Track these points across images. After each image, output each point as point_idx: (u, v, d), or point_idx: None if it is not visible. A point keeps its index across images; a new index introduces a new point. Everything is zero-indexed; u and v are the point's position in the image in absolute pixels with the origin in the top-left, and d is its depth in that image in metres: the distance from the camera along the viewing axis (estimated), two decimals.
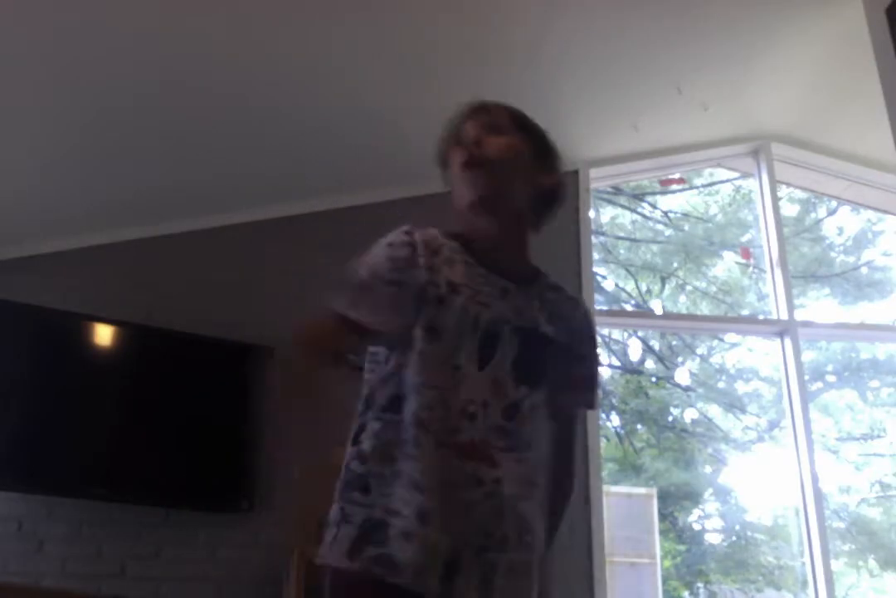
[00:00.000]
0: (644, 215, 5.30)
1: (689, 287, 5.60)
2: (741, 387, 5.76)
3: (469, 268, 1.26)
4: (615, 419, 5.61)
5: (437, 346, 1.18)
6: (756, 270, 4.57)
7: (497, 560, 1.13)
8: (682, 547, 5.41)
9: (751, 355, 5.62)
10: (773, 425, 5.30)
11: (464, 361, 1.18)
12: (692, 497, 5.51)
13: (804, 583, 3.42)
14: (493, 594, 1.12)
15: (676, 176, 4.52)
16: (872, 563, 5.29)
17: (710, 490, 5.62)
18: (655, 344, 5.78)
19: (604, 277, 5.22)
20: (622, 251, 5.47)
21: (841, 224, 5.29)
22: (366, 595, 1.12)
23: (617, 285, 5.54)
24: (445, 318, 1.20)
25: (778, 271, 3.86)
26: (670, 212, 5.32)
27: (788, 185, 4.34)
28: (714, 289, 5.37)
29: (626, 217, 5.31)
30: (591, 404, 1.36)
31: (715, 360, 5.82)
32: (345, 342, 1.27)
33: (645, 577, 4.35)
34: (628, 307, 5.52)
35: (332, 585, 1.16)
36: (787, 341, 3.70)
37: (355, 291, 1.29)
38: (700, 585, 5.28)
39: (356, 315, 1.23)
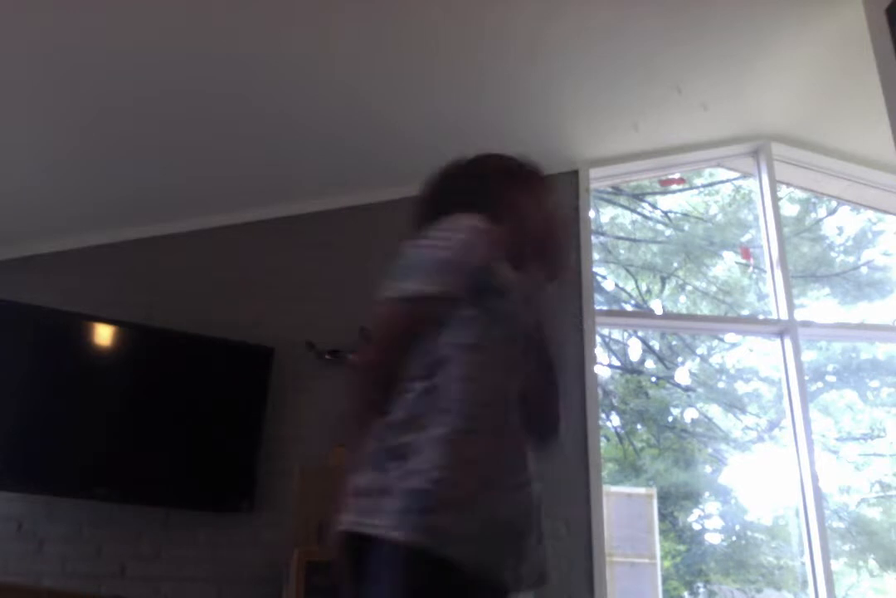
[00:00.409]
0: (644, 215, 5.30)
1: (689, 287, 5.59)
2: (741, 387, 5.75)
3: None
4: (615, 419, 5.60)
5: None
6: (756, 270, 4.57)
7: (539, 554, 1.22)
8: (682, 547, 5.40)
9: (751, 355, 5.61)
10: (773, 425, 5.30)
11: None
12: (692, 497, 5.50)
13: (804, 583, 3.42)
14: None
15: (676, 176, 4.51)
16: (872, 563, 5.29)
17: (710, 490, 5.62)
18: (655, 344, 5.78)
19: (604, 278, 5.21)
20: (622, 251, 5.47)
21: (841, 224, 5.28)
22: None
23: (617, 285, 5.53)
24: None
25: (778, 271, 3.86)
26: (670, 212, 5.32)
27: (788, 185, 4.34)
28: (714, 289, 5.37)
29: (626, 217, 5.30)
30: None
31: (715, 360, 5.81)
32: None
33: (645, 577, 4.35)
34: (628, 307, 5.51)
35: None
36: (787, 341, 3.70)
37: None
38: (700, 585, 5.27)
39: None
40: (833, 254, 5.39)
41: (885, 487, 5.42)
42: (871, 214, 4.86)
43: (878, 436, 5.49)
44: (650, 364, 5.88)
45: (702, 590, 5.26)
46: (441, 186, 1.56)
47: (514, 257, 1.38)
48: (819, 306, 5.28)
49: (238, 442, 3.05)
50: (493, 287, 1.30)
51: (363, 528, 1.15)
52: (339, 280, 3.39)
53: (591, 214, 3.85)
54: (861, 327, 4.52)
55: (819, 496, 3.38)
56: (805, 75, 3.51)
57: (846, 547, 5.29)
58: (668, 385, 5.82)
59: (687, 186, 4.89)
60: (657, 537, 4.56)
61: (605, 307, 4.48)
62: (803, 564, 3.39)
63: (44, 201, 3.17)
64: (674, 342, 5.73)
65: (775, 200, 4.00)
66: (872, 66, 2.84)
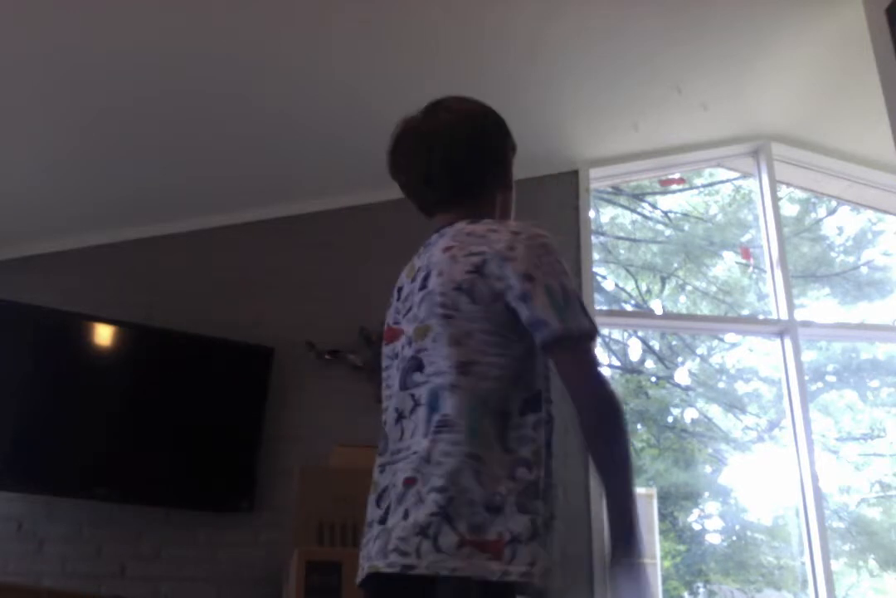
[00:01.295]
0: (644, 215, 5.30)
1: (689, 287, 5.59)
2: (741, 387, 5.75)
3: None
4: None
5: None
6: (756, 270, 4.57)
7: None
8: (682, 547, 5.40)
9: (751, 355, 5.61)
10: (773, 425, 5.30)
11: None
12: (692, 497, 5.50)
13: (804, 583, 3.42)
14: None
15: (676, 176, 4.51)
16: (872, 563, 5.28)
17: (710, 490, 5.62)
18: (655, 344, 5.78)
19: (604, 278, 5.21)
20: (622, 251, 5.47)
21: (841, 224, 5.28)
22: None
23: (617, 285, 5.53)
24: None
25: (778, 271, 3.86)
26: (670, 212, 5.32)
27: (788, 185, 4.34)
28: (714, 289, 5.36)
29: (626, 217, 5.30)
30: None
31: (715, 360, 5.81)
32: None
33: None
34: (628, 307, 5.51)
35: None
36: (787, 341, 3.71)
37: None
38: (700, 585, 5.27)
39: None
40: (833, 254, 5.39)
41: (885, 487, 5.42)
42: (871, 214, 4.86)
43: (878, 436, 5.49)
44: (650, 364, 5.88)
45: (702, 590, 5.26)
46: (441, 157, 1.41)
47: None
48: (819, 305, 5.28)
49: (238, 442, 3.05)
50: None
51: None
52: (339, 280, 3.39)
53: (591, 214, 3.85)
54: (861, 327, 4.52)
55: (819, 496, 3.38)
56: (805, 75, 3.51)
57: (846, 547, 5.29)
58: (668, 385, 5.82)
59: (687, 186, 4.89)
60: (657, 537, 4.56)
61: (605, 307, 4.47)
62: (803, 564, 3.39)
63: (44, 201, 3.17)
64: (674, 342, 5.73)
65: (775, 200, 4.00)
66: (872, 66, 2.84)
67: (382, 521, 1.16)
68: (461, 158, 1.39)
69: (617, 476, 1.15)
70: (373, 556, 1.14)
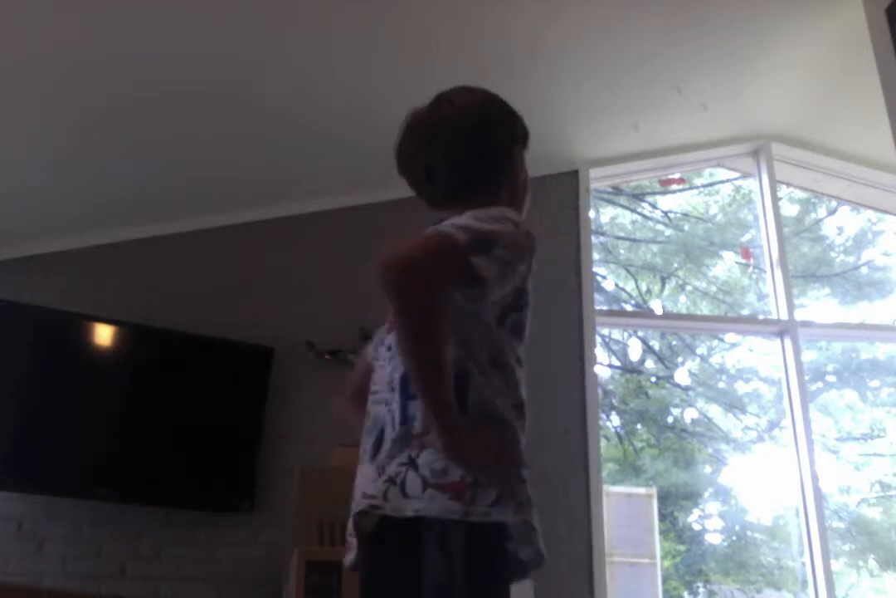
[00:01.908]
0: (644, 215, 5.30)
1: (689, 287, 5.59)
2: (741, 387, 5.75)
3: None
4: (615, 419, 5.60)
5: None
6: (756, 270, 4.57)
7: None
8: (682, 547, 5.41)
9: (751, 355, 5.61)
10: (773, 425, 5.30)
11: None
12: (692, 497, 5.51)
13: (804, 583, 3.42)
14: None
15: (676, 176, 4.51)
16: (872, 563, 5.29)
17: (710, 490, 5.62)
18: (655, 344, 5.78)
19: (604, 278, 5.21)
20: (622, 251, 5.47)
21: (841, 224, 5.28)
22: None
23: (617, 285, 5.53)
24: None
25: (778, 271, 3.86)
26: (670, 212, 5.32)
27: (788, 185, 4.34)
28: (714, 289, 5.37)
29: (626, 217, 5.31)
30: None
31: (715, 360, 5.81)
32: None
33: (645, 577, 4.35)
34: (628, 307, 5.52)
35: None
36: (787, 341, 3.70)
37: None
38: (700, 585, 5.28)
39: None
40: (833, 254, 5.39)
41: (885, 487, 5.42)
42: (871, 214, 4.86)
43: (878, 436, 5.49)
44: (650, 364, 5.88)
45: (702, 590, 5.26)
46: (445, 150, 1.37)
47: None
48: (819, 305, 5.28)
49: (238, 442, 3.05)
50: None
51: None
52: (339, 280, 3.39)
53: (591, 214, 3.85)
54: (861, 327, 4.52)
55: (819, 496, 3.38)
56: (805, 75, 3.51)
57: (846, 547, 5.29)
58: (668, 385, 5.82)
59: (687, 186, 4.90)
60: (657, 537, 4.56)
61: (605, 307, 4.48)
62: (803, 564, 3.39)
63: (44, 201, 3.17)
64: (674, 342, 5.73)
65: (775, 200, 4.00)
66: (872, 66, 2.84)
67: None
68: (462, 152, 1.36)
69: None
70: (356, 498, 1.21)
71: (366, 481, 1.18)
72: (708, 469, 5.68)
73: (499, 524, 1.12)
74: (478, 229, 1.16)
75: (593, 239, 3.78)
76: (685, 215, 5.32)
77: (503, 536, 1.14)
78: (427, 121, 1.42)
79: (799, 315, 3.79)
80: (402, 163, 1.44)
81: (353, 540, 1.21)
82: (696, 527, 5.68)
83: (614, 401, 5.47)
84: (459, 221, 1.19)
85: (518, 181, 1.42)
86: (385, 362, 1.32)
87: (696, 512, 5.66)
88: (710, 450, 5.60)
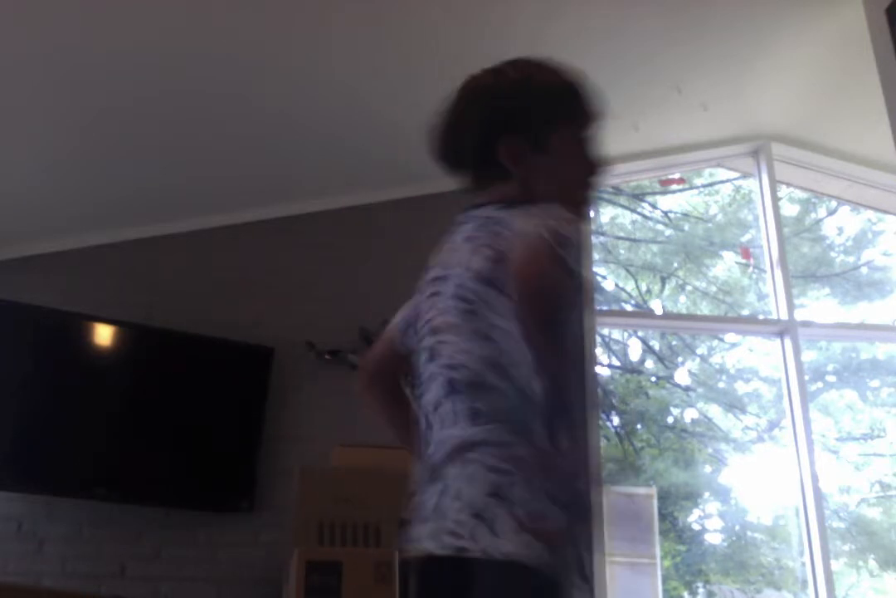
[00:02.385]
0: (644, 215, 5.30)
1: (689, 287, 5.60)
2: (741, 387, 5.76)
3: None
4: (615, 419, 5.60)
5: None
6: (756, 270, 4.57)
7: None
8: (682, 547, 5.40)
9: (751, 355, 5.62)
10: (773, 425, 5.30)
11: None
12: (692, 497, 5.51)
13: (804, 583, 3.42)
14: None
15: (676, 176, 4.51)
16: (872, 563, 5.29)
17: (710, 490, 5.62)
18: (655, 344, 5.78)
19: (604, 277, 5.22)
20: (622, 251, 5.47)
21: (841, 224, 5.29)
22: None
23: (617, 285, 5.54)
24: None
25: (778, 271, 3.86)
26: (670, 212, 5.32)
27: (788, 185, 4.34)
28: (714, 289, 5.37)
29: (626, 217, 5.31)
30: None
31: (715, 360, 5.82)
32: None
33: (645, 577, 4.35)
34: (628, 307, 5.52)
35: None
36: (787, 341, 3.70)
37: None
38: (700, 585, 5.28)
39: None
40: (833, 254, 5.39)
41: (885, 487, 5.42)
42: (871, 214, 4.86)
43: (878, 436, 5.49)
44: (650, 364, 5.89)
45: (701, 590, 5.26)
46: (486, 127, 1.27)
47: None
48: (819, 305, 5.29)
49: (238, 442, 3.05)
50: None
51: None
52: (339, 280, 3.39)
53: (591, 214, 3.85)
54: (861, 327, 4.53)
55: (819, 496, 3.38)
56: (805, 75, 3.51)
57: (846, 547, 5.29)
58: (668, 385, 5.82)
59: (687, 186, 4.90)
60: (657, 537, 4.56)
61: (605, 307, 4.48)
62: (803, 564, 3.39)
63: (44, 201, 3.17)
64: (674, 342, 5.74)
65: (775, 200, 4.00)
66: (872, 66, 2.84)
67: (431, 502, 1.11)
68: (485, 123, 1.27)
69: None
70: (423, 538, 1.09)
71: (442, 511, 1.06)
72: (708, 469, 5.68)
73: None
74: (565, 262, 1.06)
75: (593, 239, 3.78)
76: (685, 215, 5.32)
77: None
78: (473, 86, 1.35)
79: (799, 315, 3.79)
80: (443, 128, 1.36)
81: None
82: (696, 527, 5.68)
83: (614, 401, 5.47)
84: (555, 230, 1.08)
85: (566, 167, 1.29)
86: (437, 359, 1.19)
87: (696, 512, 5.67)
88: (710, 450, 5.60)
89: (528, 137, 1.25)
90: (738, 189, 4.99)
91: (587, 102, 1.34)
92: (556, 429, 1.05)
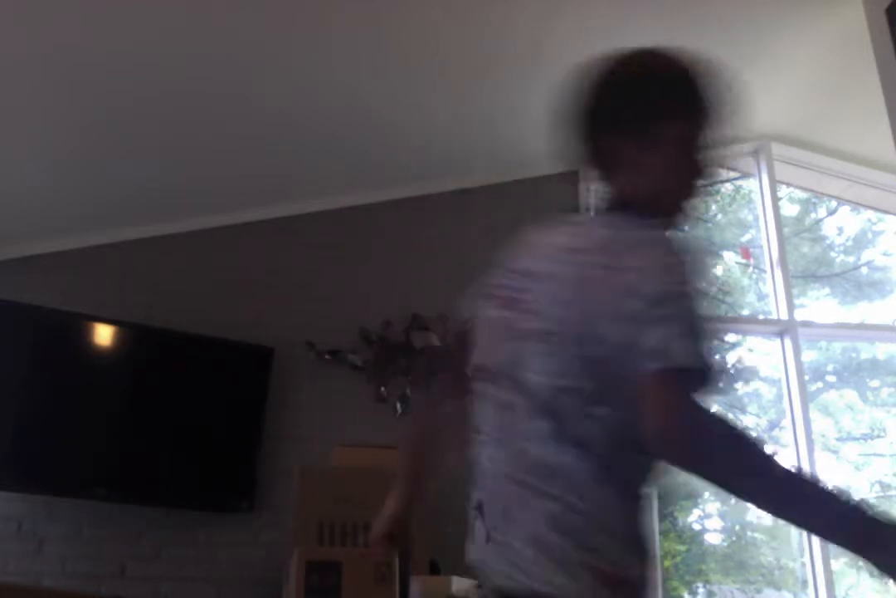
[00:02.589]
0: None
1: None
2: (741, 387, 5.75)
3: None
4: None
5: None
6: (756, 270, 4.57)
7: None
8: (682, 547, 5.40)
9: (751, 355, 5.61)
10: (773, 425, 5.30)
11: None
12: (692, 497, 5.50)
13: (804, 583, 3.42)
14: None
15: None
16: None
17: (711, 490, 5.61)
18: None
19: None
20: None
21: (841, 224, 5.28)
22: None
23: None
24: None
25: (778, 271, 3.86)
26: None
27: (788, 185, 4.34)
28: (714, 289, 5.36)
29: None
30: None
31: None
32: None
33: None
34: None
35: None
36: (787, 341, 3.70)
37: None
38: (700, 585, 5.27)
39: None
40: (833, 254, 5.39)
41: (885, 487, 5.42)
42: (871, 214, 4.85)
43: (878, 436, 5.49)
44: None
45: (701, 590, 5.26)
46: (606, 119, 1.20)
47: None
48: (819, 305, 5.28)
49: (238, 442, 3.05)
50: None
51: None
52: (339, 280, 3.39)
53: (592, 214, 3.84)
54: (861, 327, 4.53)
55: None
56: (805, 75, 3.51)
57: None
58: None
59: None
60: (657, 537, 4.55)
61: None
62: (803, 564, 3.38)
63: (44, 201, 3.17)
64: None
65: (775, 200, 4.00)
66: (872, 66, 2.84)
67: (497, 527, 1.08)
68: (603, 113, 1.21)
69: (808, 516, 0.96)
70: (494, 569, 1.07)
71: (516, 549, 1.03)
72: None
73: None
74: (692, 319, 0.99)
75: None
76: None
77: None
78: (590, 75, 1.29)
79: (799, 315, 3.79)
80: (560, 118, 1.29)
81: None
82: (696, 527, 5.68)
83: None
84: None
85: (671, 169, 1.19)
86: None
87: (696, 512, 5.66)
88: None
89: (635, 135, 1.17)
90: (738, 189, 4.99)
91: (708, 98, 1.23)
92: (629, 477, 1.04)
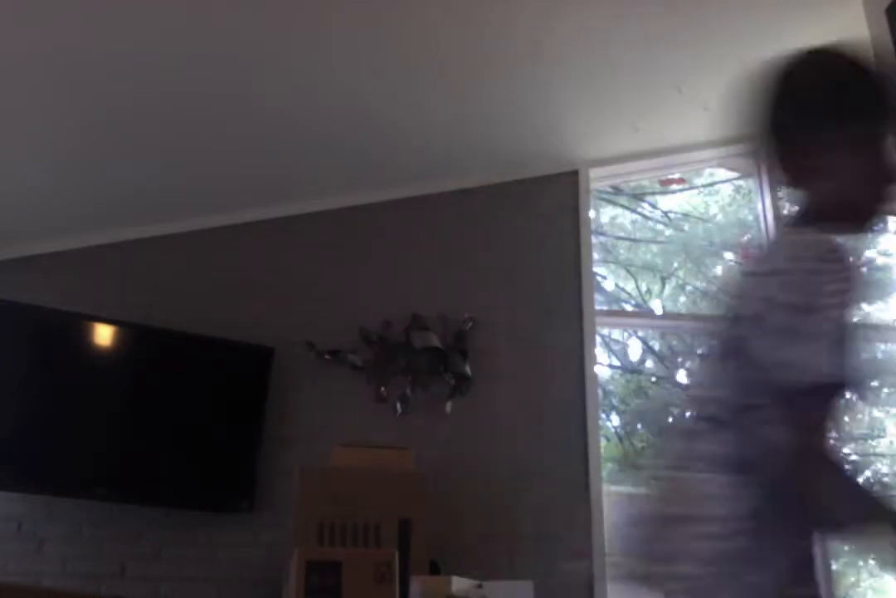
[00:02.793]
0: (644, 215, 5.29)
1: (689, 287, 5.59)
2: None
3: None
4: (615, 419, 5.60)
5: None
6: None
7: None
8: None
9: None
10: None
11: None
12: None
13: None
14: None
15: (676, 176, 4.51)
16: (872, 563, 5.28)
17: None
18: (655, 344, 5.78)
19: (604, 278, 5.21)
20: (622, 251, 5.46)
21: None
22: None
23: (617, 285, 5.52)
24: None
25: None
26: (670, 212, 5.31)
27: None
28: (714, 289, 5.36)
29: (626, 217, 5.30)
30: None
31: None
32: None
33: None
34: (628, 307, 5.51)
35: None
36: None
37: None
38: None
39: None
40: None
41: (885, 487, 5.41)
42: None
43: (878, 436, 5.49)
44: (650, 364, 5.88)
45: None
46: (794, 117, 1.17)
47: None
48: None
49: (238, 442, 3.05)
50: None
51: None
52: (339, 280, 3.39)
53: (592, 214, 3.85)
54: (861, 326, 4.51)
55: None
56: None
57: (846, 547, 5.28)
58: (668, 385, 5.82)
59: (687, 186, 4.89)
60: None
61: (605, 307, 4.47)
62: None
63: (44, 201, 3.17)
64: (674, 342, 5.73)
65: (775, 200, 4.00)
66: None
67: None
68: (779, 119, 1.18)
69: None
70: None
71: None
72: None
73: None
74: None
75: (593, 239, 3.78)
76: (685, 215, 5.31)
77: None
78: (771, 77, 1.22)
79: None
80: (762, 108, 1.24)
81: None
82: None
83: (614, 401, 5.46)
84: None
85: (854, 177, 1.15)
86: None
87: None
88: None
89: (816, 141, 1.15)
90: (738, 189, 4.98)
91: (887, 102, 1.17)
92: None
